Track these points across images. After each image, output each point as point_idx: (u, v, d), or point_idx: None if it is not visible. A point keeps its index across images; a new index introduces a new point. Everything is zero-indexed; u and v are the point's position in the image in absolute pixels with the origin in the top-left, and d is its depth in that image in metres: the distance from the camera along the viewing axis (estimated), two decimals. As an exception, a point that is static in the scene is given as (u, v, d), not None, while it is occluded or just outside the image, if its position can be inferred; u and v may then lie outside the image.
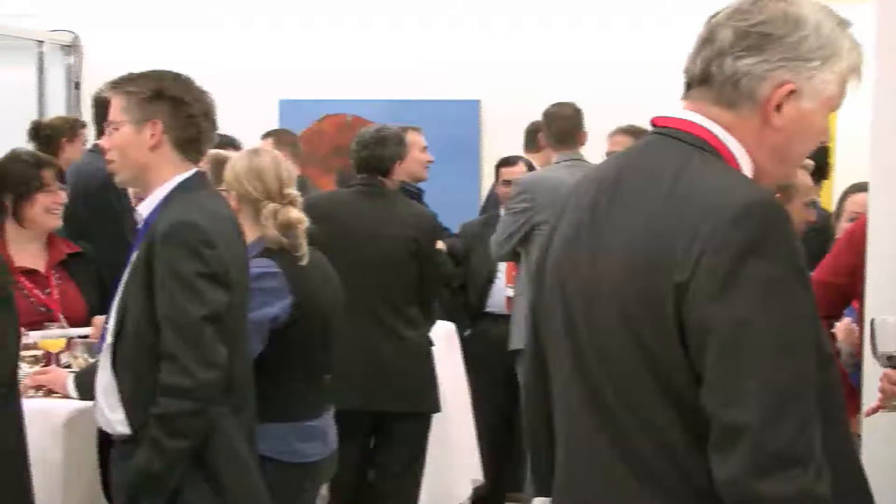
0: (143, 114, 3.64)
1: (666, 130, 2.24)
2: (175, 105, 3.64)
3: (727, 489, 2.03)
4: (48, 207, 4.81)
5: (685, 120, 2.23)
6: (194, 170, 3.71)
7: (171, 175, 3.66)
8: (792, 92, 2.19)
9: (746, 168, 2.22)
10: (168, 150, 3.66)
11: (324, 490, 4.92)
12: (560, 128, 6.47)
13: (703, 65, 2.22)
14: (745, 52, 2.19)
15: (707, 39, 2.23)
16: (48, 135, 7.26)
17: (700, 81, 2.24)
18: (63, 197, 4.87)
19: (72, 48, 9.75)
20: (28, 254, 4.83)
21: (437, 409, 5.61)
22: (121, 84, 3.69)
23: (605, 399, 2.17)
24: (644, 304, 2.09)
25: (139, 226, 3.72)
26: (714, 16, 2.24)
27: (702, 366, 2.06)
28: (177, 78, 3.70)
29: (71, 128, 7.44)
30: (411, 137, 6.17)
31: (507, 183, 6.97)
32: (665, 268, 2.07)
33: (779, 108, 2.20)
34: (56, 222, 4.86)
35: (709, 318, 2.04)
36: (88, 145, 6.98)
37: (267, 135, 7.28)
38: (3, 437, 2.62)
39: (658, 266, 2.08)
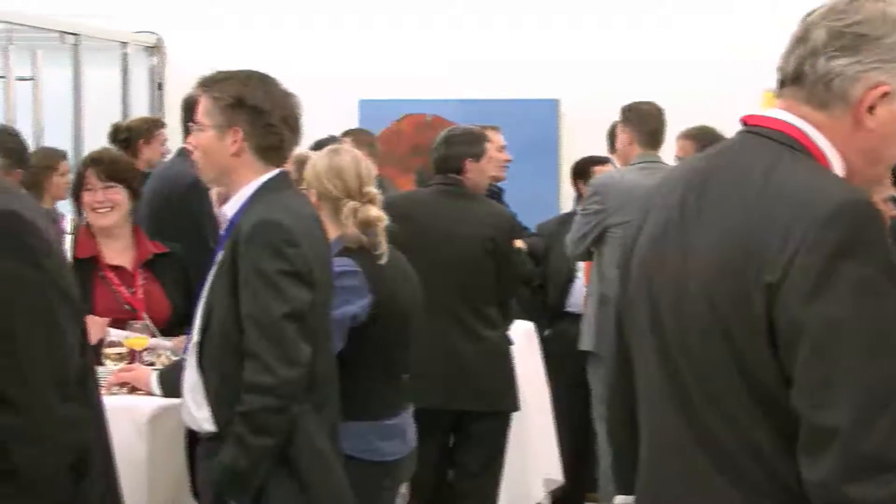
0: (224, 120, 3.68)
1: (756, 129, 2.22)
2: (255, 114, 3.67)
3: (817, 492, 2.01)
4: (91, 205, 4.84)
5: (776, 119, 2.21)
6: (278, 170, 3.74)
7: (254, 177, 3.70)
8: (886, 94, 2.15)
9: (838, 167, 2.19)
10: (249, 155, 3.70)
11: (403, 489, 4.93)
12: (653, 127, 6.43)
13: (796, 64, 2.19)
14: (839, 53, 2.15)
15: (801, 38, 2.19)
16: (126, 137, 7.36)
17: (793, 80, 2.21)
18: (102, 195, 4.83)
19: (155, 49, 9.86)
20: (115, 251, 4.88)
21: (516, 407, 5.60)
22: (207, 85, 3.73)
23: (690, 396, 2.16)
24: (732, 303, 2.08)
25: (223, 228, 3.76)
26: (809, 14, 2.20)
27: (791, 366, 2.04)
28: (261, 82, 3.73)
29: (147, 129, 7.53)
30: (490, 136, 6.17)
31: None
32: (756, 267, 2.06)
33: (871, 109, 2.16)
34: (103, 220, 4.83)
35: (800, 319, 2.02)
36: (173, 146, 7.04)
37: (345, 134, 7.31)
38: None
39: (748, 265, 2.06)
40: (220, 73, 3.76)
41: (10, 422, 2.49)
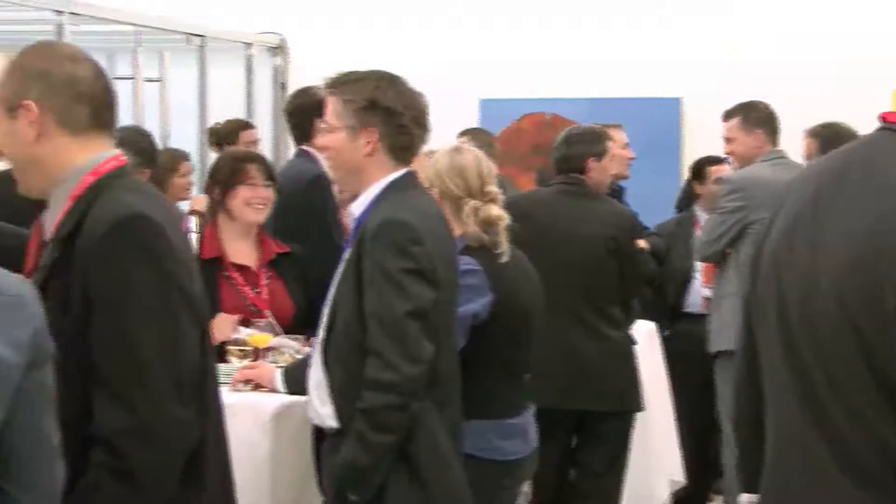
0: (357, 122, 3.71)
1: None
2: (388, 115, 3.71)
3: None
4: (249, 200, 4.89)
5: None
6: (405, 170, 3.77)
7: (383, 176, 3.73)
8: None
9: None
10: (381, 155, 3.73)
11: (525, 487, 4.93)
12: (777, 124, 6.39)
13: None
14: None
15: None
16: (216, 140, 7.53)
17: None
18: (265, 192, 4.94)
19: (279, 50, 9.96)
20: (240, 250, 4.93)
21: (640, 408, 5.57)
22: (337, 88, 3.76)
23: (817, 393, 2.13)
24: (863, 299, 2.06)
25: (343, 225, 3.79)
26: None
27: None
28: (391, 83, 3.76)
29: (233, 131, 7.69)
30: (612, 134, 6.14)
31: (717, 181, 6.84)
32: (888, 263, 2.03)
33: None
34: (256, 217, 4.92)
35: None
36: (289, 148, 7.12)
37: (463, 133, 7.33)
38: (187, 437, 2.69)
39: (880, 261, 2.04)
40: (348, 74, 3.79)
41: (127, 422, 2.54)
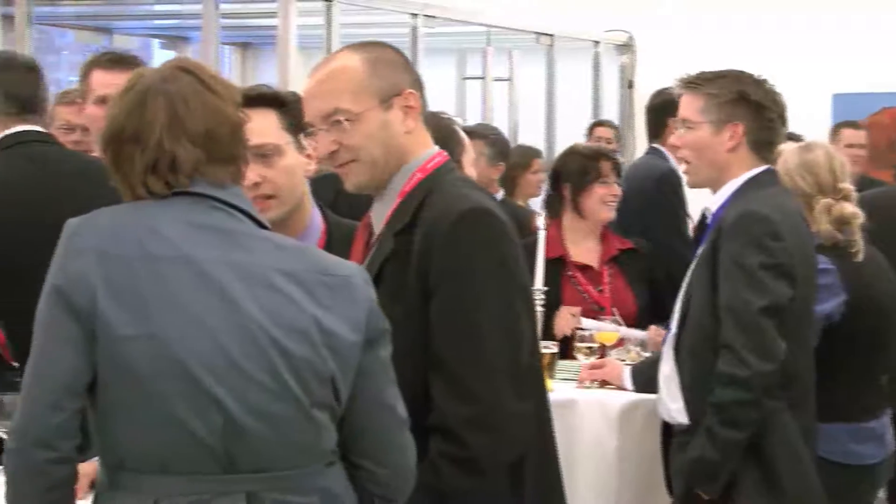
0: (723, 116, 3.69)
1: None
2: (757, 109, 3.68)
3: None
4: (604, 198, 4.94)
5: None
6: (766, 166, 3.73)
7: (742, 173, 3.70)
8: None
9: None
10: (744, 151, 3.70)
11: (881, 494, 4.77)
12: None
13: None
14: None
15: None
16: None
17: None
18: (617, 189, 4.97)
19: (626, 48, 9.95)
20: (583, 248, 4.96)
21: None
22: (699, 84, 3.75)
23: None
24: None
25: (692, 221, 3.77)
26: None
27: None
28: (757, 81, 3.74)
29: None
30: None
31: None
32: None
33: None
34: (610, 214, 4.97)
35: None
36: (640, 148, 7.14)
37: (839, 126, 7.22)
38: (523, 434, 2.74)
39: None
40: (707, 72, 3.77)
41: (470, 411, 2.60)
